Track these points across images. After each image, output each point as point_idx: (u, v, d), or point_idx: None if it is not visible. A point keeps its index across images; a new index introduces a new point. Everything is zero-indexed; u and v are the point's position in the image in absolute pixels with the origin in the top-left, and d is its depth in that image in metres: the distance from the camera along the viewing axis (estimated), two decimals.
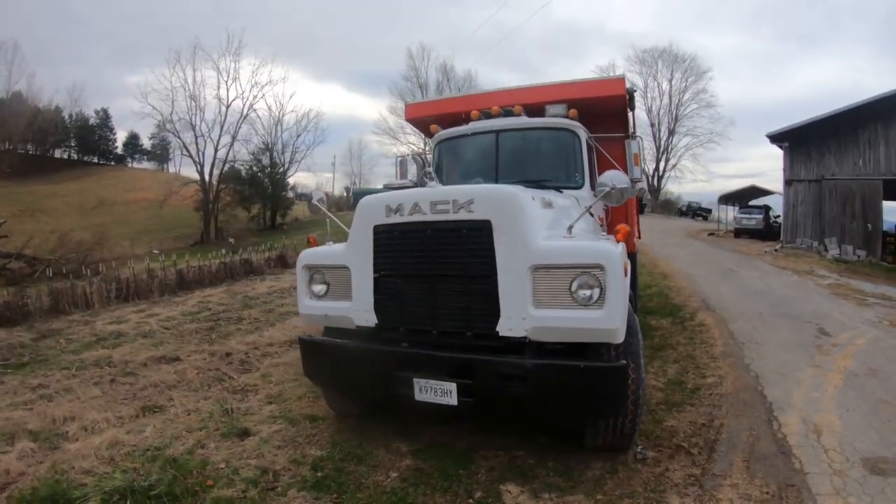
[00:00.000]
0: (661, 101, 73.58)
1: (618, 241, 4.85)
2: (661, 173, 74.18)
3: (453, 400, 4.86)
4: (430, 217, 4.95)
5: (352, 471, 5.30)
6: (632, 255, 9.59)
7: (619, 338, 4.70)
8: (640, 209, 51.53)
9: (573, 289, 4.62)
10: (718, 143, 70.99)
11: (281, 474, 5.25)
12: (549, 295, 4.72)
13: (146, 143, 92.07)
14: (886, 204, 28.01)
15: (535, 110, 7.59)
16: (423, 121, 8.95)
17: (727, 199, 46.09)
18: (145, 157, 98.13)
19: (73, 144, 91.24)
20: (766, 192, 42.70)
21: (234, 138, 58.37)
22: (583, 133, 7.38)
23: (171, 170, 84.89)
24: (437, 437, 5.96)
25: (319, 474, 5.23)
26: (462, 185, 5.83)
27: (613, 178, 4.99)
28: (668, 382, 7.97)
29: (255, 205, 60.59)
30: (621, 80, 7.92)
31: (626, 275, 4.77)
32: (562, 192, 6.61)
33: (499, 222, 4.76)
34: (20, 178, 66.47)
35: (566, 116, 7.41)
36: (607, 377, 4.66)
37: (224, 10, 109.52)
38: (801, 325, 11.52)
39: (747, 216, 37.25)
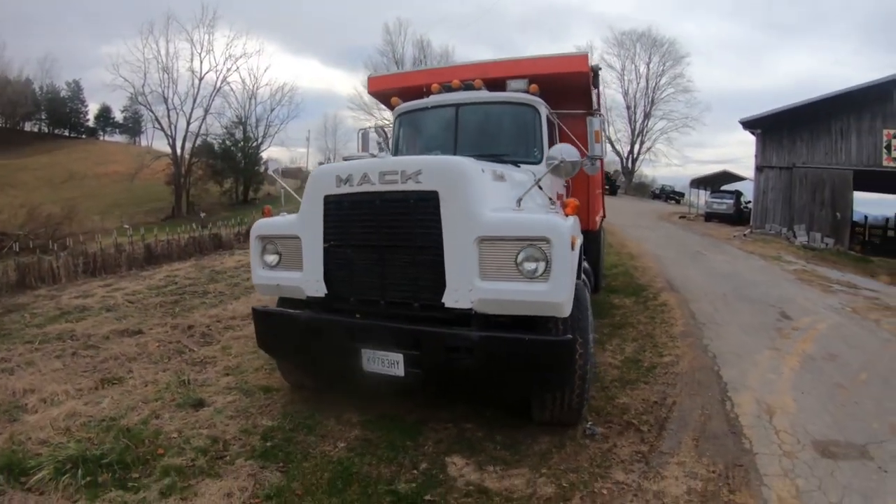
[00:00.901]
0: (638, 84, 73.09)
1: (567, 215, 4.83)
2: (635, 156, 74.12)
3: (400, 371, 4.84)
4: (378, 187, 4.90)
5: (301, 440, 5.31)
6: (595, 234, 9.80)
7: (565, 312, 4.65)
8: (613, 191, 51.98)
9: (519, 261, 4.58)
10: (693, 127, 71.02)
11: (231, 443, 5.25)
12: (495, 267, 4.67)
13: (118, 116, 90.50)
14: (857, 195, 28.30)
15: (498, 85, 7.47)
16: (385, 94, 8.76)
17: (699, 183, 46.15)
18: (117, 131, 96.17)
19: (43, 117, 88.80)
20: (737, 178, 42.73)
21: (206, 111, 58.03)
22: (543, 108, 7.24)
23: (144, 143, 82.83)
24: (389, 409, 5.92)
25: (268, 444, 5.22)
26: (411, 156, 5.93)
27: (563, 151, 5.03)
28: (624, 360, 7.86)
29: (227, 179, 60.12)
30: (584, 56, 7.73)
31: (573, 249, 4.67)
32: (520, 166, 6.51)
33: (446, 193, 4.71)
34: None
35: (527, 92, 7.25)
36: (552, 351, 4.68)
37: None
38: (763, 308, 11.46)
39: (718, 201, 37.36)
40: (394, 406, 5.97)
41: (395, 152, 7.86)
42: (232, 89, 61.07)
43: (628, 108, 73.40)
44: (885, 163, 25.38)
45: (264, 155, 63.48)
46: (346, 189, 5.05)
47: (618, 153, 73.95)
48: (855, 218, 33.90)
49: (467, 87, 7.45)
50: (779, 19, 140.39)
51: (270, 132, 64.71)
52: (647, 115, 72.37)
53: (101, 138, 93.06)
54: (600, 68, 8.54)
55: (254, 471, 4.75)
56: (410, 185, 4.78)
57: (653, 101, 71.88)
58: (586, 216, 8.97)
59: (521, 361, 4.66)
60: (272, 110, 63.85)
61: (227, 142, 60.54)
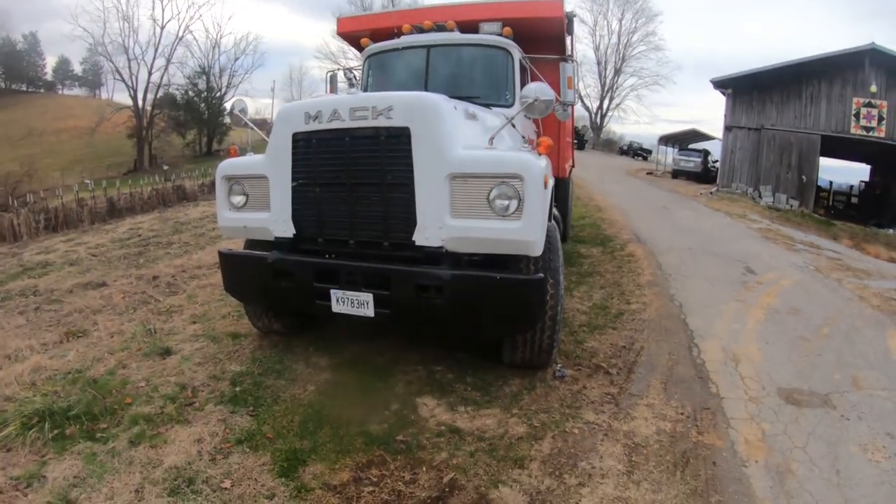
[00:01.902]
0: (610, 39, 72.56)
1: (540, 154, 4.73)
2: (604, 112, 74.12)
3: (370, 311, 4.80)
4: (348, 124, 4.77)
5: (270, 385, 5.29)
6: (563, 182, 9.72)
7: (537, 250, 4.63)
8: (581, 145, 51.86)
9: (491, 198, 4.53)
10: (664, 86, 71.48)
11: (199, 390, 5.22)
12: (466, 205, 4.62)
13: (77, 68, 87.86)
14: (823, 161, 28.61)
15: (471, 27, 7.32)
16: (355, 35, 8.45)
17: (667, 140, 46.37)
18: (76, 84, 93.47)
19: None
20: (706, 137, 43.18)
21: (168, 61, 57.16)
22: (516, 52, 7.14)
23: (104, 96, 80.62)
24: (358, 352, 5.94)
25: (237, 389, 5.20)
26: (382, 92, 5.65)
27: (537, 90, 4.84)
28: (592, 306, 7.91)
29: (190, 131, 59.23)
30: (559, 1, 7.58)
31: (546, 188, 4.67)
32: (491, 109, 6.41)
33: (417, 130, 4.61)
34: None
35: (500, 34, 7.15)
36: (523, 290, 4.62)
37: None
38: (729, 262, 11.58)
39: (686, 158, 37.44)
40: (363, 349, 5.98)
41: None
42: (195, 38, 61.84)
43: (599, 63, 73.11)
44: (852, 130, 25.61)
45: (228, 105, 62.32)
46: (314, 126, 4.91)
47: (587, 108, 74.04)
48: (821, 183, 34.41)
49: (439, 28, 7.31)
50: None
51: (234, 82, 64.23)
52: (617, 72, 72.25)
53: (60, 92, 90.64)
54: (575, 15, 8.41)
55: (223, 416, 4.73)
56: (381, 122, 4.68)
57: (623, 57, 71.76)
58: (556, 163, 8.93)
59: (492, 300, 4.62)
60: (236, 60, 63.26)
61: (191, 92, 59.68)
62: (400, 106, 4.66)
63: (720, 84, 28.64)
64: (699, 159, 36.82)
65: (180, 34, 57.80)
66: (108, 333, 6.78)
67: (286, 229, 5.20)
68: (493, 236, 4.55)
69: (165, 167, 33.85)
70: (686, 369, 5.88)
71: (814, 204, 27.43)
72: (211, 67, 61.92)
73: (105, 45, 55.87)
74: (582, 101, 72.89)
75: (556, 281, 5.06)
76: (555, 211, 8.68)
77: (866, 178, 41.11)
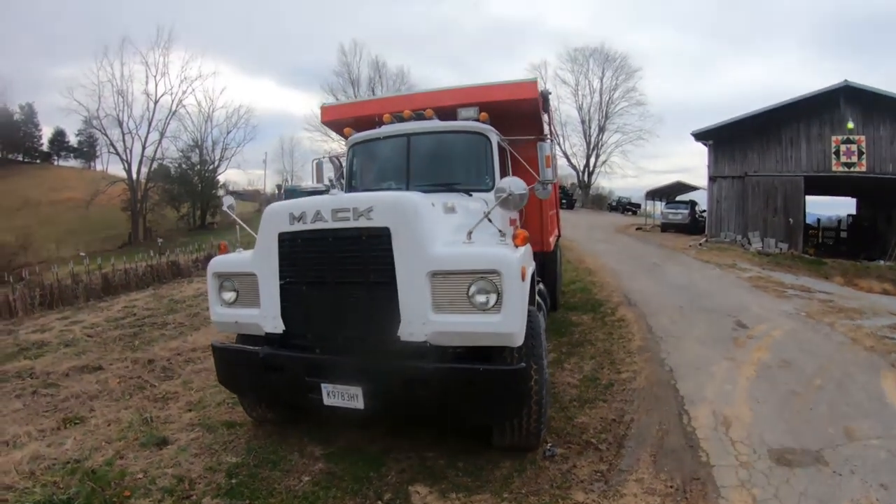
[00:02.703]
0: (592, 98, 73.97)
1: (517, 246, 4.86)
2: (591, 169, 74.78)
3: (360, 404, 4.90)
4: (331, 224, 4.95)
5: (265, 476, 5.29)
6: (550, 255, 9.97)
7: (518, 341, 4.74)
8: (570, 205, 52.46)
9: (470, 294, 4.65)
10: (647, 139, 72.06)
11: (196, 482, 5.22)
12: (447, 300, 4.74)
13: (73, 140, 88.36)
14: (809, 198, 28.80)
15: (449, 114, 7.49)
16: (338, 123, 8.76)
17: (654, 194, 46.88)
18: (72, 155, 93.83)
19: None
20: (691, 188, 43.60)
21: (162, 135, 58.14)
22: (493, 136, 7.30)
23: (99, 168, 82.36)
24: (352, 440, 5.92)
25: (234, 481, 5.20)
26: (362, 193, 6.02)
27: (511, 184, 5.02)
28: (583, 379, 7.87)
29: (184, 204, 59.62)
30: (533, 83, 7.84)
31: (524, 280, 4.75)
32: (472, 195, 6.64)
33: (397, 229, 4.78)
34: None
35: (477, 119, 7.30)
36: (507, 380, 4.75)
37: (158, 2, 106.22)
38: (719, 318, 11.57)
39: (673, 211, 37.84)
40: (356, 437, 5.96)
41: (349, 183, 7.87)
42: (188, 112, 61.72)
43: (583, 122, 74.29)
44: (834, 168, 25.99)
45: (221, 178, 63.56)
46: (299, 226, 5.09)
47: (574, 167, 74.94)
48: (808, 220, 34.54)
49: (418, 116, 7.50)
50: (727, 31, 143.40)
51: (227, 155, 64.98)
52: (601, 129, 73.24)
53: (56, 163, 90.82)
54: (549, 93, 8.64)
55: None
56: (362, 222, 4.84)
57: (607, 114, 72.94)
58: (540, 238, 9.07)
59: (476, 391, 4.72)
60: (228, 133, 64.11)
61: (184, 165, 60.54)
62: (380, 207, 4.84)
63: (701, 136, 29.20)
64: (686, 211, 37.21)
65: (173, 108, 59.08)
66: (104, 421, 6.83)
67: (276, 325, 5.32)
68: (475, 330, 4.67)
69: (160, 240, 33.93)
70: (676, 439, 5.84)
71: (803, 243, 27.53)
72: (204, 141, 63.18)
73: (100, 119, 57.26)
74: (569, 160, 74.10)
75: (539, 366, 5.12)
76: (540, 286, 8.75)
77: (853, 211, 41.37)
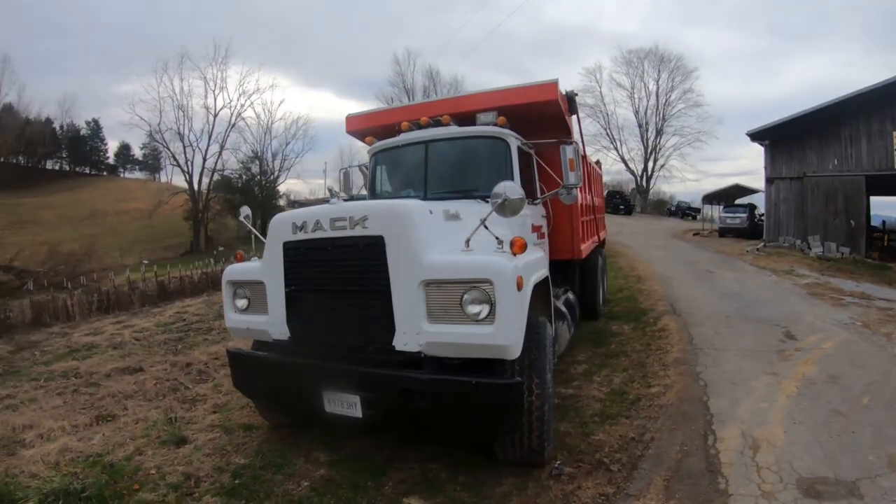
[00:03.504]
0: (648, 101, 73.18)
1: (514, 254, 4.80)
2: (649, 173, 73.81)
3: (358, 412, 4.95)
4: (330, 234, 5.09)
5: (268, 479, 5.44)
6: (585, 262, 10.21)
7: (513, 354, 4.66)
8: (628, 210, 52.27)
9: (463, 303, 4.63)
10: (706, 141, 71.02)
11: (203, 481, 5.46)
12: (441, 310, 4.76)
13: (137, 152, 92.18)
14: (875, 199, 27.54)
15: (468, 119, 7.49)
16: (362, 133, 8.81)
17: (711, 198, 45.76)
18: (137, 167, 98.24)
19: (64, 156, 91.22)
20: (750, 191, 42.49)
21: (222, 147, 59.62)
22: (513, 140, 7.23)
23: (163, 179, 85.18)
24: (358, 448, 5.97)
25: (237, 481, 5.39)
26: (359, 202, 6.15)
27: (507, 188, 4.88)
28: (610, 392, 7.53)
29: None
30: (553, 84, 7.62)
31: (520, 290, 4.65)
32: (488, 201, 6.33)
33: (391, 238, 4.85)
34: (12, 191, 66.90)
35: (495, 124, 7.25)
36: (500, 394, 4.67)
37: (214, 19, 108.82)
38: (767, 328, 10.92)
39: (731, 215, 36.64)
40: (364, 445, 5.99)
41: (372, 191, 8.00)
42: (247, 124, 62.92)
43: (640, 126, 73.46)
44: None
45: (281, 188, 64.95)
46: (301, 236, 5.25)
47: (631, 172, 73.97)
48: (873, 223, 33.11)
49: (436, 122, 7.56)
50: (785, 26, 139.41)
51: (287, 165, 65.93)
52: (659, 132, 72.15)
53: (122, 175, 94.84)
54: (576, 94, 8.39)
55: None
56: (358, 231, 4.94)
57: (664, 117, 71.84)
58: (570, 245, 8.97)
59: (470, 404, 4.68)
60: (287, 144, 64.99)
61: (244, 176, 61.55)
62: (374, 215, 4.93)
63: (756, 136, 28.20)
64: (745, 215, 35.98)
65: (232, 121, 60.55)
66: (134, 419, 7.27)
67: (282, 332, 5.52)
68: (468, 341, 4.63)
69: (220, 248, 34.69)
70: (696, 462, 5.42)
71: (867, 247, 26.20)
72: (263, 152, 64.19)
73: (161, 133, 58.72)
74: (626, 165, 73.56)
75: (542, 381, 5.01)
76: (568, 296, 8.47)
77: None
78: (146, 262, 26.56)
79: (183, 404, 7.83)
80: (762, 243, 27.88)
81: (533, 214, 7.49)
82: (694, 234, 38.45)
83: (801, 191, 26.96)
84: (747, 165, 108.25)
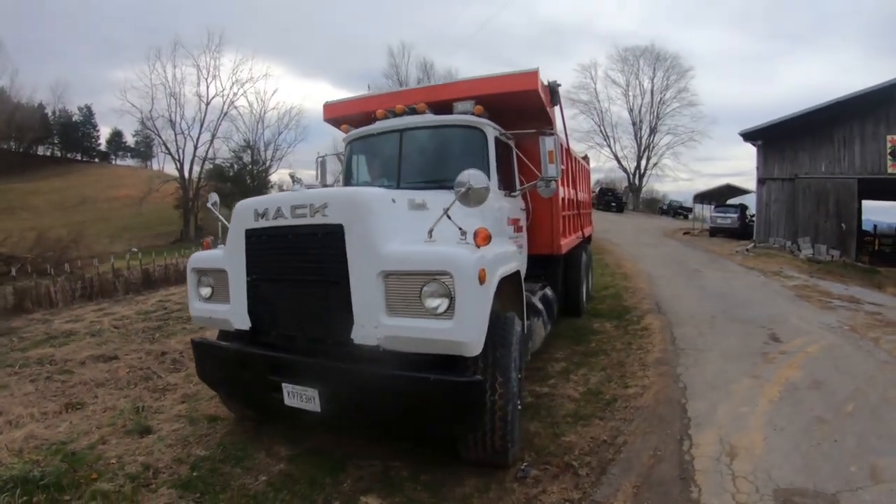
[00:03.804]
0: (643, 99, 73.15)
1: (478, 246, 4.57)
2: (642, 171, 73.76)
3: (317, 407, 4.79)
4: (291, 221, 4.94)
5: (226, 472, 5.31)
6: (566, 258, 10.21)
7: (473, 351, 4.45)
8: (620, 208, 52.30)
9: (423, 297, 4.45)
10: (699, 141, 70.55)
11: (161, 472, 5.34)
12: (400, 303, 4.57)
13: (130, 140, 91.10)
14: (867, 204, 27.33)
15: (445, 108, 7.25)
16: (339, 120, 8.56)
17: (703, 197, 45.57)
18: (129, 155, 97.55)
19: (56, 142, 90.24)
20: (742, 191, 42.35)
21: (213, 136, 59.23)
22: (491, 130, 7.02)
23: (155, 167, 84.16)
24: (321, 442, 5.82)
25: (195, 474, 5.27)
26: (320, 189, 6.02)
27: (471, 177, 4.72)
28: (585, 392, 7.25)
29: (235, 202, 60.60)
30: (534, 73, 7.35)
31: (483, 283, 4.45)
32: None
33: (350, 227, 4.67)
34: (2, 176, 66.24)
35: (472, 113, 7.00)
36: (459, 392, 4.45)
37: (211, 8, 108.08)
38: (752, 329, 10.67)
39: (722, 215, 36.41)
40: (326, 440, 5.85)
41: (347, 180, 7.77)
42: (239, 113, 62.47)
43: (634, 123, 73.43)
44: (889, 169, 24.49)
45: (273, 178, 65.09)
46: (263, 223, 5.11)
47: (624, 169, 74.02)
48: (865, 227, 32.97)
49: (411, 111, 7.31)
50: (783, 28, 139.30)
51: (279, 155, 65.66)
52: (652, 131, 72.09)
53: (114, 162, 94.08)
54: (559, 85, 8.20)
55: (172, 500, 4.83)
56: (318, 219, 4.78)
57: (658, 115, 71.80)
58: (549, 240, 8.76)
59: (428, 402, 4.50)
60: (279, 134, 64.73)
61: (236, 166, 61.42)
62: (334, 203, 4.75)
63: (749, 136, 28.03)
64: (736, 215, 35.79)
65: (225, 110, 60.16)
66: (102, 408, 7.13)
67: (243, 322, 5.35)
68: (425, 336, 4.42)
69: (210, 237, 34.66)
70: (669, 468, 5.15)
71: (858, 251, 26.11)
72: (255, 142, 63.80)
73: (153, 120, 58.46)
74: (619, 162, 73.62)
75: (505, 379, 4.77)
76: (545, 292, 8.22)
77: None
78: (135, 249, 26.54)
79: (153, 393, 7.72)
80: (752, 244, 27.71)
81: (511, 207, 7.31)
82: (684, 234, 38.23)
83: (792, 192, 26.81)
84: (741, 166, 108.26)
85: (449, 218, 4.72)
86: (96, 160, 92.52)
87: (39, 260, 25.58)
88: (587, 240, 13.53)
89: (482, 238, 4.56)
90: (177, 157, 59.20)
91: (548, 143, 6.69)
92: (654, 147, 73.21)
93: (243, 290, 5.33)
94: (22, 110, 74.30)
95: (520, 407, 5.31)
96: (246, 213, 5.27)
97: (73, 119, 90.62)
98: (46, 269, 21.92)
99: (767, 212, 27.86)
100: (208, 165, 59.77)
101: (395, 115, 7.36)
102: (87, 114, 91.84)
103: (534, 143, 7.11)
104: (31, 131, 78.01)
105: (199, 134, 59.20)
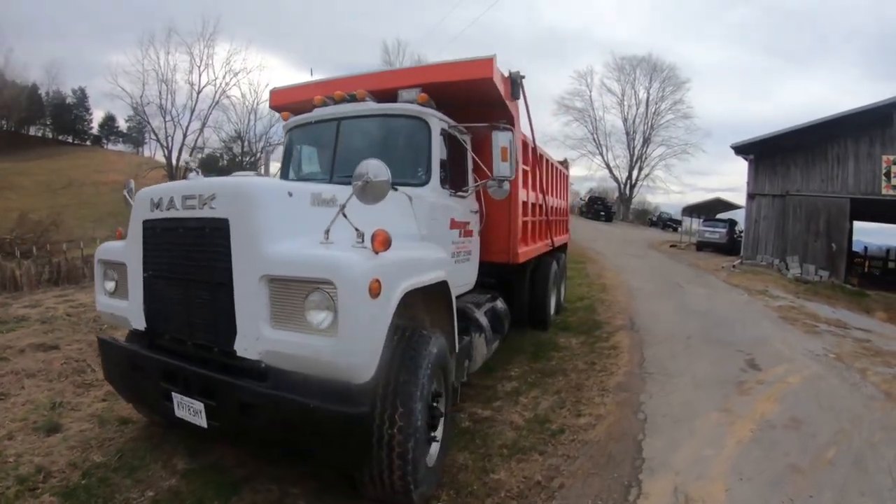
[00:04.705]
0: (637, 109, 72.97)
1: (376, 252, 3.88)
2: (633, 182, 73.31)
3: (203, 421, 4.26)
4: (181, 213, 4.42)
5: (115, 483, 4.84)
6: (535, 268, 10.07)
7: (359, 376, 3.82)
8: (609, 217, 52.16)
9: (306, 308, 3.80)
10: (692, 154, 70.50)
11: (53, 476, 4.95)
12: (285, 313, 3.92)
13: (122, 125, 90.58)
14: (858, 225, 26.62)
15: (391, 96, 6.51)
16: (286, 108, 7.78)
17: (692, 210, 44.99)
18: (121, 140, 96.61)
19: (48, 123, 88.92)
20: (732, 206, 41.85)
21: (203, 124, 58.99)
22: (436, 121, 6.29)
23: (147, 153, 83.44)
24: (223, 458, 5.25)
25: (84, 482, 4.84)
26: (210, 178, 5.36)
27: (371, 168, 4.00)
28: (531, 419, 6.40)
29: None
30: (489, 60, 6.56)
31: (376, 296, 3.75)
32: (396, 189, 5.38)
33: (236, 221, 4.10)
34: None
35: (415, 102, 6.29)
36: (341, 424, 3.79)
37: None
38: (730, 354, 9.79)
39: (711, 229, 35.77)
40: (229, 455, 5.28)
41: (285, 173, 7.10)
42: (232, 104, 62.01)
43: (627, 133, 73.24)
44: (884, 191, 23.60)
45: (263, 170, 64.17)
46: (157, 214, 4.59)
47: (616, 179, 73.71)
48: (856, 248, 32.34)
49: (351, 98, 6.59)
50: (782, 46, 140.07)
51: (270, 148, 64.78)
52: (646, 141, 71.87)
53: (105, 146, 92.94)
54: (523, 76, 7.37)
55: None
56: (206, 212, 4.23)
57: (652, 126, 71.63)
58: (505, 246, 7.94)
59: (310, 431, 3.83)
60: (271, 127, 63.79)
61: (226, 156, 61.36)
62: (220, 194, 4.21)
63: (741, 149, 27.14)
64: (724, 230, 35.15)
65: (216, 99, 59.64)
66: (24, 400, 6.75)
67: (139, 321, 4.86)
68: (306, 354, 3.76)
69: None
70: None
71: (848, 272, 25.29)
72: (247, 133, 63.17)
73: (142, 105, 58.82)
74: (611, 172, 73.37)
75: (407, 410, 4.07)
76: (496, 304, 7.53)
77: None
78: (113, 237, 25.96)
79: (78, 388, 7.19)
80: (739, 260, 26.90)
81: (457, 208, 6.56)
82: (671, 246, 37.59)
83: (782, 209, 25.97)
84: (734, 182, 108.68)
85: (345, 216, 4.01)
86: (88, 144, 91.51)
87: (19, 241, 25.31)
88: (559, 249, 12.82)
89: (380, 241, 3.87)
90: (165, 144, 59.16)
91: (500, 139, 6.05)
92: (646, 158, 73.26)
93: (140, 286, 4.79)
94: (6, 89, 73.37)
95: (436, 440, 4.68)
96: (144, 203, 4.71)
97: (67, 101, 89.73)
98: (31, 250, 21.51)
99: (756, 228, 27.02)
100: (198, 154, 59.56)
101: (335, 102, 6.65)
102: (81, 96, 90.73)
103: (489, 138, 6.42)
104: (14, 111, 76.99)
105: (189, 122, 58.96)
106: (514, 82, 7.25)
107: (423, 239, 5.58)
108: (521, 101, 7.64)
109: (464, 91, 6.67)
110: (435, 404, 4.61)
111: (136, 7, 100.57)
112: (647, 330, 11.50)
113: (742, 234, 30.89)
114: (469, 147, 6.93)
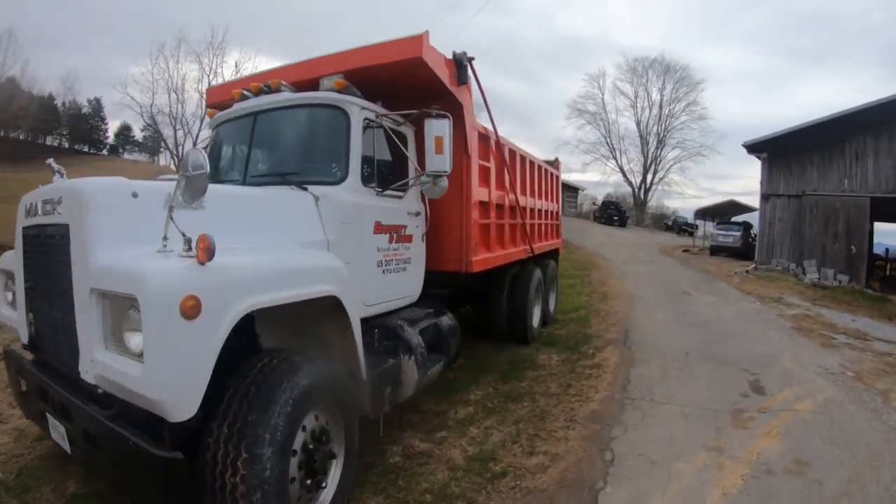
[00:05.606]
0: (651, 111, 72.03)
1: (200, 262, 3.27)
2: (647, 185, 72.29)
3: (67, 446, 3.95)
4: (40, 219, 4.16)
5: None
6: (519, 276, 9.72)
7: (175, 413, 3.20)
8: (623, 222, 51.24)
9: (124, 328, 3.35)
10: (707, 156, 69.31)
11: None
12: (112, 333, 3.50)
13: (138, 134, 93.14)
14: (879, 226, 25.26)
15: (314, 86, 5.89)
16: (219, 106, 7.08)
17: (705, 213, 44.15)
18: (136, 149, 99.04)
19: (65, 133, 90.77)
20: (747, 209, 40.54)
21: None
22: (356, 109, 5.51)
23: (163, 162, 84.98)
24: (116, 486, 4.46)
25: None
26: (60, 182, 4.73)
27: (192, 161, 3.42)
28: (473, 457, 5.42)
29: None
30: (418, 38, 5.75)
31: (192, 315, 3.15)
32: (306, 188, 5.02)
33: (74, 227, 3.72)
34: (9, 165, 66.95)
35: (332, 89, 5.65)
36: (153, 467, 3.24)
37: (227, 7, 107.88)
38: (731, 374, 8.53)
39: (724, 233, 34.61)
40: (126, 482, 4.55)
41: (212, 174, 5.95)
42: None
43: (641, 136, 72.46)
44: None
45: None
46: (28, 221, 4.38)
47: (630, 183, 72.60)
48: (876, 250, 31.11)
49: (267, 89, 5.99)
50: (798, 48, 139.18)
51: None
52: (660, 143, 71.04)
53: (122, 156, 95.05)
54: (471, 58, 6.63)
55: None
56: (55, 217, 3.92)
57: (666, 128, 70.71)
58: (458, 254, 7.01)
59: (141, 471, 3.35)
60: None
61: None
62: (66, 198, 3.88)
63: (753, 148, 26.03)
64: (738, 233, 33.93)
65: None
66: None
67: (24, 334, 4.63)
68: (122, 382, 3.30)
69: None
70: None
71: (869, 276, 23.94)
72: None
73: (152, 114, 60.49)
74: (624, 176, 72.77)
75: (253, 457, 3.39)
76: (442, 319, 6.56)
77: None
78: None
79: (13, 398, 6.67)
80: (753, 265, 25.69)
81: (388, 209, 5.73)
82: (684, 251, 36.44)
83: (798, 210, 24.69)
84: (752, 185, 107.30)
85: (171, 220, 3.47)
86: (104, 153, 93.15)
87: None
88: (546, 255, 11.94)
89: (203, 249, 3.23)
90: (175, 152, 60.19)
91: (434, 128, 5.27)
92: (660, 161, 72.21)
93: (22, 297, 4.55)
94: (17, 99, 74.25)
95: (322, 487, 4.08)
96: (21, 209, 4.53)
97: (83, 111, 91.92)
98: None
99: (771, 231, 25.78)
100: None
101: (254, 94, 6.07)
102: (97, 106, 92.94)
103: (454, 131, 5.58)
104: (27, 120, 77.91)
105: (199, 130, 59.70)
106: (460, 64, 6.52)
107: (331, 246, 4.85)
108: (475, 89, 6.89)
109: (396, 77, 5.97)
110: (320, 445, 3.98)
111: (153, 16, 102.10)
112: (641, 345, 10.31)
113: (757, 238, 29.72)
114: (412, 140, 6.22)
